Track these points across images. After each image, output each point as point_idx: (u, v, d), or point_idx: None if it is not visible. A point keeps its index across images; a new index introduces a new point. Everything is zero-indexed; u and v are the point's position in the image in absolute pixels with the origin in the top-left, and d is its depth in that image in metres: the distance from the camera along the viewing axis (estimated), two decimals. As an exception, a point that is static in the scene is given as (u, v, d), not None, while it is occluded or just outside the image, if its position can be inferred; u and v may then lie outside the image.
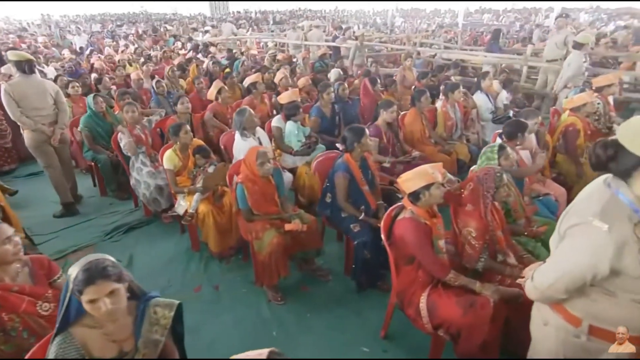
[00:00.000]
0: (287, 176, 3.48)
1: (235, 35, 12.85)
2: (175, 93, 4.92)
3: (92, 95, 3.96)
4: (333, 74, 5.64)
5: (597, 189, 1.24)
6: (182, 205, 3.14)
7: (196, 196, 3.04)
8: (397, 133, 3.72)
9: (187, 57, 8.07)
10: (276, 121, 3.71)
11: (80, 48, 9.68)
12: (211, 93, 4.24)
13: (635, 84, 6.57)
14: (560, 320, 1.33)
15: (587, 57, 5.39)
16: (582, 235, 1.19)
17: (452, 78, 6.36)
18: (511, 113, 4.72)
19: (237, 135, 3.29)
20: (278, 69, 6.40)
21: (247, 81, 4.59)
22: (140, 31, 13.68)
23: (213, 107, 4.18)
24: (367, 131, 2.68)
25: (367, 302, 2.60)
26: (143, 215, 3.76)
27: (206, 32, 12.35)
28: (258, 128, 3.44)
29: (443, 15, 22.63)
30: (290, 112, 3.58)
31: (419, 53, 8.21)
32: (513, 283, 2.03)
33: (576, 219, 1.21)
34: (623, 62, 6.73)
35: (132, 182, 3.63)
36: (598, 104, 4.20)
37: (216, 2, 28.70)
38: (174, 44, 11.46)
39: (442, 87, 4.28)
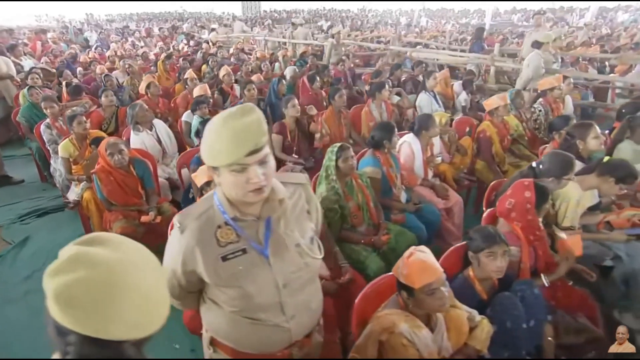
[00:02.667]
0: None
1: (245, 33, 13.10)
2: (127, 88, 5.11)
3: (27, 87, 4.20)
4: (288, 71, 5.58)
5: None
6: (73, 192, 3.27)
7: (82, 184, 3.14)
8: (304, 131, 3.63)
9: (186, 54, 8.39)
10: (186, 116, 3.75)
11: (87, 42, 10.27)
12: (141, 87, 4.35)
13: (631, 89, 5.93)
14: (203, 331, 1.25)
15: (557, 58, 4.94)
16: (170, 236, 1.11)
17: (421, 77, 6.10)
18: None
19: (131, 129, 3.36)
20: (256, 66, 6.52)
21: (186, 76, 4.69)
22: (148, 28, 14.27)
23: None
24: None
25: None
26: (63, 202, 3.94)
27: (212, 29, 12.69)
28: (157, 122, 3.49)
29: (471, 16, 21.68)
30: (193, 106, 3.60)
31: (406, 52, 7.95)
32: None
33: None
34: (618, 66, 6.10)
35: (51, 169, 3.82)
36: (540, 110, 3.86)
37: (248, 2, 29.31)
38: (182, 41, 11.90)
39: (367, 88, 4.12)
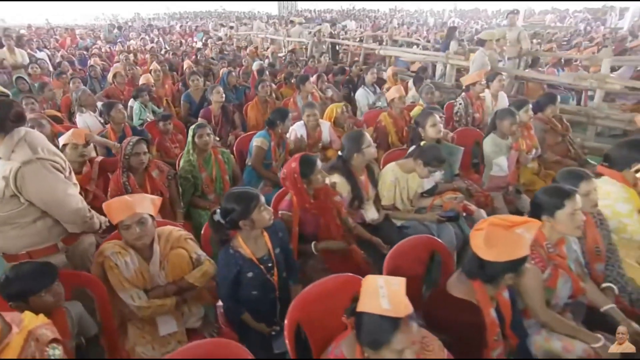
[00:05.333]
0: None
1: (262, 31, 13.71)
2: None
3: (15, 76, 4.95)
4: (255, 65, 5.99)
5: None
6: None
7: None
8: (228, 117, 4.02)
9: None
10: (130, 102, 4.26)
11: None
12: (109, 77, 4.95)
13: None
14: None
15: (502, 56, 4.90)
16: None
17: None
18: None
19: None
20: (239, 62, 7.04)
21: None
22: (172, 26, 15.31)
23: (109, 90, 4.88)
24: (118, 107, 3.10)
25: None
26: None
27: (230, 27, 13.40)
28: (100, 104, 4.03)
29: (501, 16, 20.80)
30: (135, 93, 4.11)
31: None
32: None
33: None
34: (591, 67, 5.85)
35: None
36: (460, 103, 3.96)
37: (284, 2, 30.08)
38: (202, 38, 12.73)
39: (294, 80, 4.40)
